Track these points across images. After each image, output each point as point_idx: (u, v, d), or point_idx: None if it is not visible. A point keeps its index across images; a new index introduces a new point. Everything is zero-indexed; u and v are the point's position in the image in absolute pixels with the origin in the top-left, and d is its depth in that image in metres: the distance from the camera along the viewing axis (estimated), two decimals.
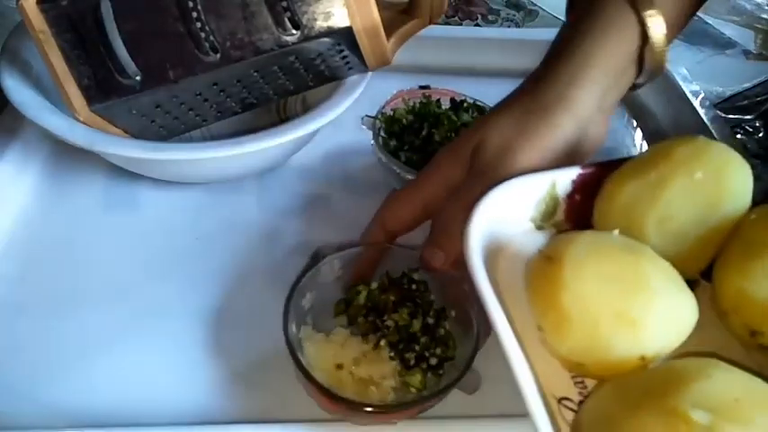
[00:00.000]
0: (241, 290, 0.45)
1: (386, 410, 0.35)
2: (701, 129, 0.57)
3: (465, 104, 0.55)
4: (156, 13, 0.41)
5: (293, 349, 0.35)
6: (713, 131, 0.57)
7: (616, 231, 0.32)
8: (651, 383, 0.28)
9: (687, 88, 0.61)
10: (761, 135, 0.62)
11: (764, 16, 0.78)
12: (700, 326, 0.30)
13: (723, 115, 0.62)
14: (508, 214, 0.35)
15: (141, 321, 0.43)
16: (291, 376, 0.40)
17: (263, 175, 0.53)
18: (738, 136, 0.61)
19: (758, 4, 0.79)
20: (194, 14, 0.40)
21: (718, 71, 0.70)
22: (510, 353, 0.29)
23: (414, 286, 0.40)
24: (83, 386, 0.39)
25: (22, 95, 0.45)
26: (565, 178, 0.36)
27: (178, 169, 0.49)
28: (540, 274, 0.31)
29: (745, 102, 0.66)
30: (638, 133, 0.62)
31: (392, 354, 0.38)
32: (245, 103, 0.47)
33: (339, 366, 0.37)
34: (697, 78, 0.64)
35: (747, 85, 0.68)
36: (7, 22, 0.51)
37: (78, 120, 0.43)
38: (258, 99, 0.47)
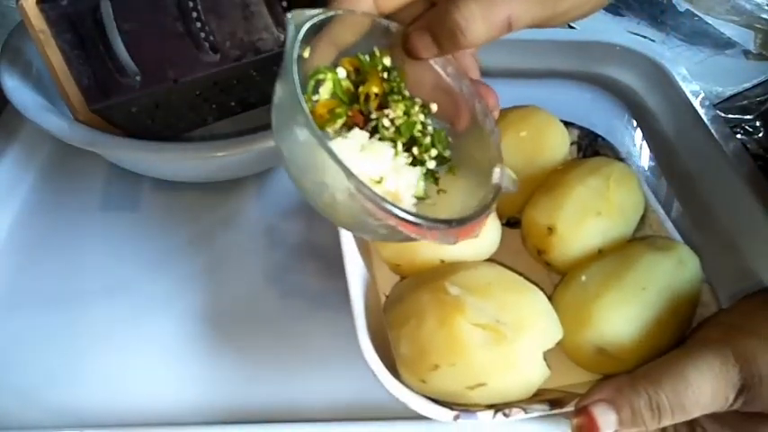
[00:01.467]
0: (241, 290, 0.45)
1: (459, 224, 0.29)
2: (701, 129, 0.57)
3: None
4: (156, 13, 0.41)
5: (342, 164, 0.26)
6: (713, 131, 0.57)
7: None
8: (434, 273, 0.36)
9: (687, 88, 0.61)
10: (761, 135, 0.62)
11: (764, 16, 0.78)
12: (515, 255, 0.39)
13: (723, 115, 0.62)
14: None
15: (141, 321, 0.43)
16: (292, 375, 0.40)
17: (263, 175, 0.53)
18: (738, 136, 0.61)
19: (758, 4, 0.79)
20: (194, 14, 0.40)
21: (718, 71, 0.70)
22: (346, 257, 0.36)
23: (386, 74, 0.32)
24: (82, 386, 0.39)
25: (22, 96, 0.45)
26: None
27: (178, 169, 0.49)
28: None
29: (745, 102, 0.66)
30: (638, 133, 0.62)
31: (411, 160, 0.31)
32: (245, 103, 0.47)
33: (379, 182, 0.30)
34: (697, 78, 0.64)
35: (747, 85, 0.68)
36: (7, 22, 0.51)
37: (78, 120, 0.44)
38: (258, 99, 0.47)
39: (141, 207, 0.50)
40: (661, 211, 0.42)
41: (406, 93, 0.32)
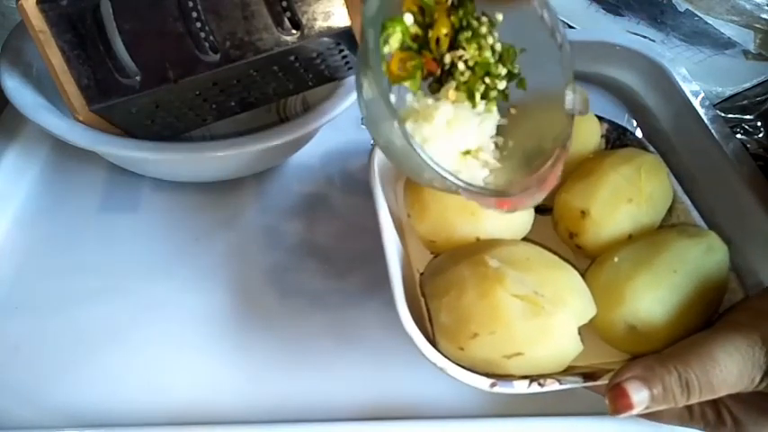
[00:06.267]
0: (241, 290, 0.45)
1: (540, 181, 0.32)
2: (701, 129, 0.57)
3: None
4: (156, 13, 0.41)
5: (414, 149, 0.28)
6: (713, 131, 0.57)
7: None
8: (473, 248, 0.37)
9: (687, 88, 0.61)
10: (761, 135, 0.62)
11: (764, 16, 0.78)
12: (543, 241, 0.39)
13: (723, 115, 0.62)
14: None
15: (141, 321, 0.43)
16: (292, 376, 0.40)
17: (263, 175, 0.53)
18: (738, 136, 0.61)
19: (758, 4, 0.79)
20: (194, 14, 0.40)
21: (718, 71, 0.70)
22: (384, 235, 0.37)
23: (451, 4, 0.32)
24: (82, 386, 0.39)
25: (22, 95, 0.45)
26: None
27: (178, 169, 0.49)
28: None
29: (745, 102, 0.66)
30: (638, 133, 0.62)
31: (482, 103, 0.32)
32: (245, 103, 0.47)
33: (467, 152, 0.32)
34: (697, 78, 0.64)
35: (747, 85, 0.68)
36: (7, 22, 0.51)
37: (78, 120, 0.43)
38: (258, 99, 0.47)
39: (141, 207, 0.50)
40: (688, 202, 0.43)
41: (474, 21, 0.32)
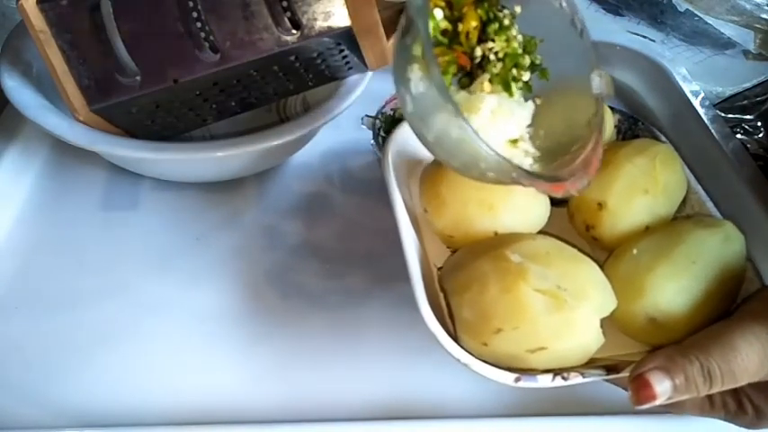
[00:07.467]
0: (241, 290, 0.45)
1: (585, 165, 0.33)
2: (701, 129, 0.57)
3: None
4: (156, 13, 0.41)
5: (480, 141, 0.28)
6: (713, 131, 0.57)
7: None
8: (492, 242, 0.37)
9: (687, 88, 0.61)
10: (761, 135, 0.62)
11: (764, 16, 0.78)
12: (558, 233, 0.39)
13: (723, 115, 0.62)
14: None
15: (141, 321, 0.43)
16: (292, 376, 0.40)
17: (263, 175, 0.53)
18: (738, 136, 0.60)
19: (758, 4, 0.79)
20: (194, 14, 0.40)
21: (718, 71, 0.70)
22: (402, 231, 0.36)
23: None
24: (82, 386, 0.39)
25: (22, 95, 0.45)
26: None
27: (178, 169, 0.49)
28: (428, 171, 0.41)
29: (745, 102, 0.66)
30: None
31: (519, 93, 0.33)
32: (245, 103, 0.47)
33: (515, 141, 0.33)
34: (697, 78, 0.64)
35: (747, 85, 0.68)
36: (7, 22, 0.51)
37: (78, 120, 0.44)
38: (258, 99, 0.47)
39: (141, 207, 0.50)
40: (702, 192, 0.43)
41: (499, 13, 0.33)
